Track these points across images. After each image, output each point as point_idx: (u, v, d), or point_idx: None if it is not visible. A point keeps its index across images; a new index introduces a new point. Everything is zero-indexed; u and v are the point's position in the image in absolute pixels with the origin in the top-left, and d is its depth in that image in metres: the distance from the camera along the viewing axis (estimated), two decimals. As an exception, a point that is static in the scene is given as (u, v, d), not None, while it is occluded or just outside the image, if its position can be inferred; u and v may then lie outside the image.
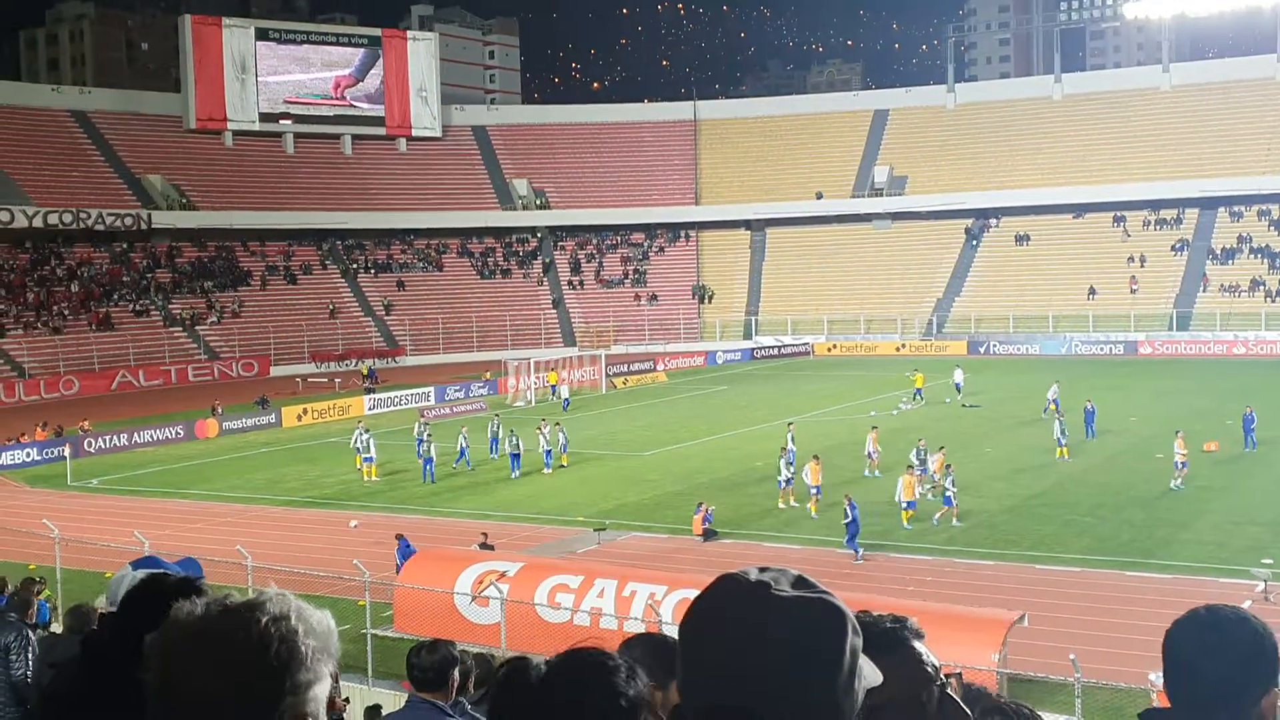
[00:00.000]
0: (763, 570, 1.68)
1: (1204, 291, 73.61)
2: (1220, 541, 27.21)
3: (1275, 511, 29.68)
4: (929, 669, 2.02)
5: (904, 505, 29.09)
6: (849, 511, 26.55)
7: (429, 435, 39.14)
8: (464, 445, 38.93)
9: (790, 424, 38.94)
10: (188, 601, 1.71)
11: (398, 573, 23.47)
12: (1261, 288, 72.26)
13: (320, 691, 1.68)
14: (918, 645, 2.00)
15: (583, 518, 31.37)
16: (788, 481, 31.92)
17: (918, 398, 50.81)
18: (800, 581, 1.67)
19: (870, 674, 1.68)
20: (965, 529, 29.14)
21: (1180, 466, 32.26)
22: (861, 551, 26.62)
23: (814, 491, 30.76)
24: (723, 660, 1.61)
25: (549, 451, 38.49)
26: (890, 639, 2.00)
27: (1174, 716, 2.34)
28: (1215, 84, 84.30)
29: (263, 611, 1.66)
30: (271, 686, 1.63)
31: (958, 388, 52.07)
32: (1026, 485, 33.41)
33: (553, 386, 56.85)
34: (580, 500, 33.85)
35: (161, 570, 2.81)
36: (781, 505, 31.91)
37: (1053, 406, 43.50)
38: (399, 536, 25.29)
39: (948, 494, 29.45)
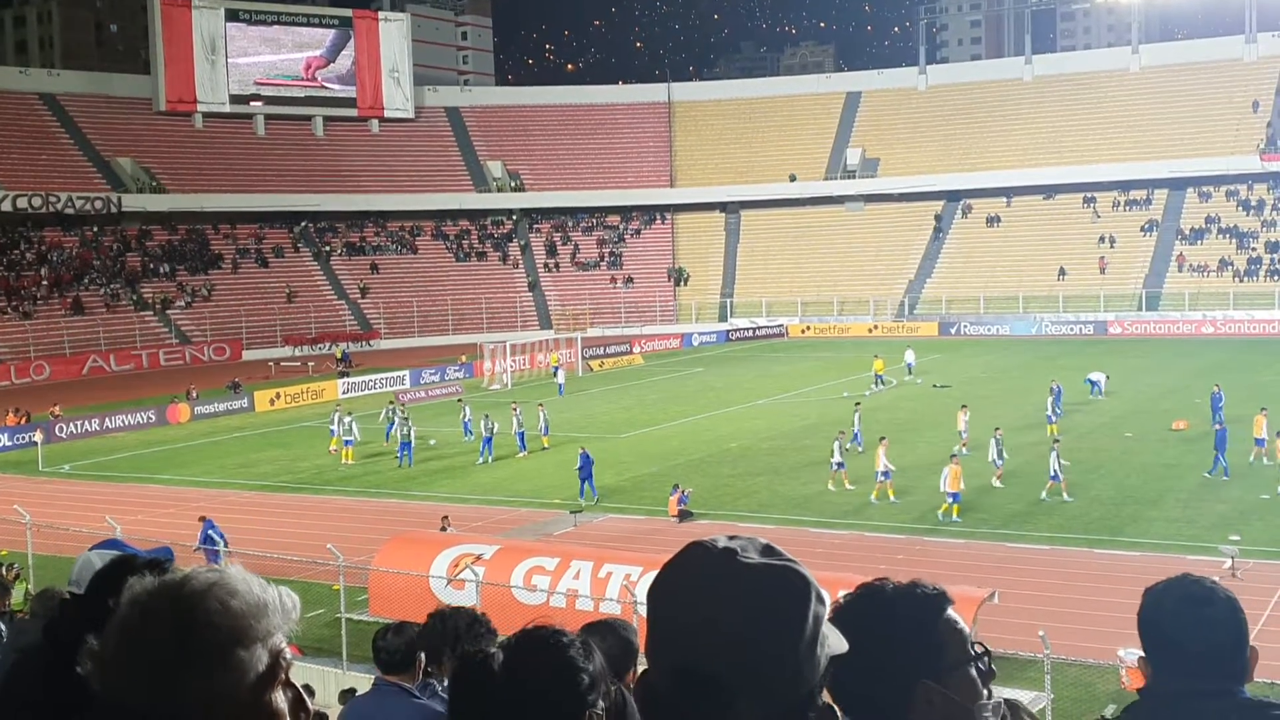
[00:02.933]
0: (731, 538, 1.71)
1: (1178, 271, 74.17)
2: (1188, 519, 27.52)
3: (1242, 489, 30.03)
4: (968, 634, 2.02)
5: (949, 497, 27.94)
6: (581, 459, 31.24)
7: (404, 418, 39.07)
8: (493, 426, 38.23)
9: (857, 404, 39.08)
10: (136, 579, 1.70)
11: (198, 545, 23.09)
12: (1229, 268, 72.88)
13: (243, 670, 1.64)
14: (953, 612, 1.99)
15: (559, 500, 31.44)
16: (840, 465, 31.38)
17: (880, 382, 50.35)
18: (768, 550, 1.70)
19: (835, 642, 1.71)
20: (936, 507, 29.33)
21: (1259, 444, 32.52)
22: (597, 496, 30.73)
23: (880, 476, 30.03)
24: (686, 624, 1.64)
25: (521, 434, 38.43)
26: (943, 603, 1.97)
27: (1185, 689, 2.42)
28: (1184, 65, 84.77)
29: (181, 589, 1.65)
30: (187, 669, 1.61)
31: (909, 368, 52.47)
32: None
33: (554, 368, 56.44)
34: (556, 483, 33.87)
35: (129, 553, 2.84)
36: (832, 488, 31.34)
37: (1099, 384, 44.42)
38: (203, 518, 24.74)
39: (1055, 471, 29.36)
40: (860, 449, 34.75)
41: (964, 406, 37.32)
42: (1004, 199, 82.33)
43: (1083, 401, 42.91)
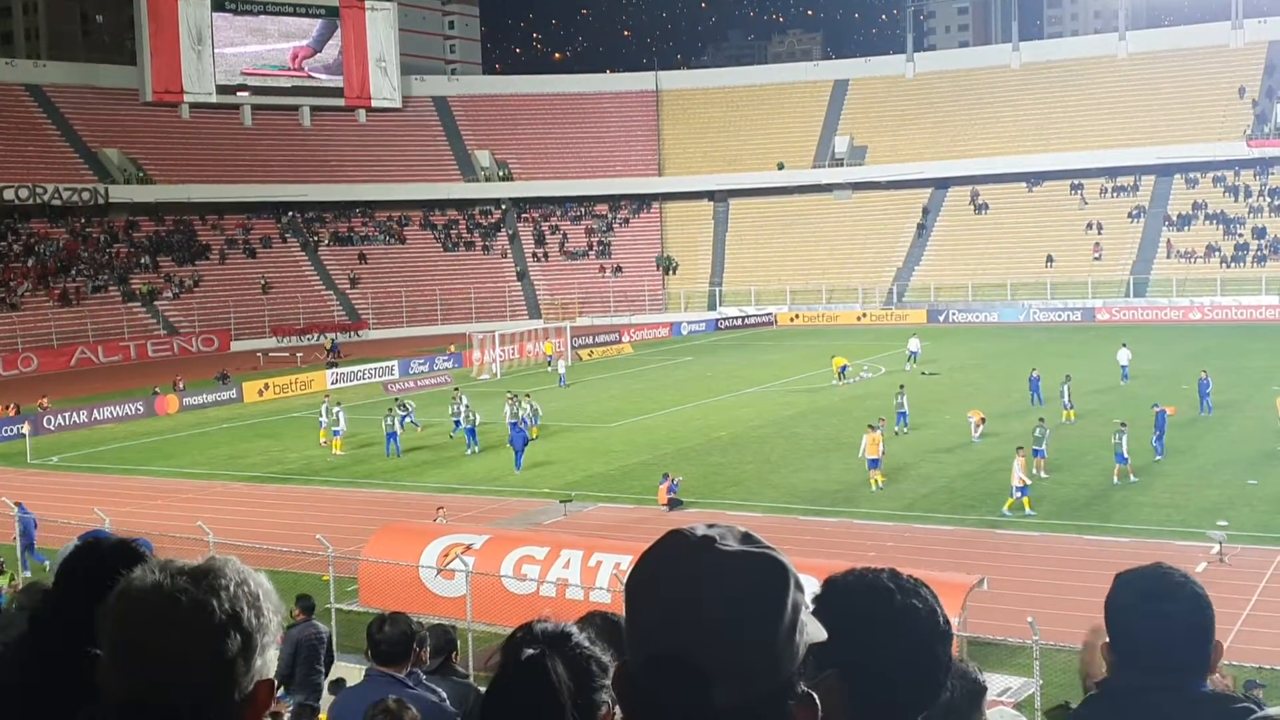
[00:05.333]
0: (710, 526, 1.72)
1: (1166, 258, 74.32)
2: (1176, 504, 27.63)
3: (1230, 474, 30.15)
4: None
5: (1016, 490, 27.30)
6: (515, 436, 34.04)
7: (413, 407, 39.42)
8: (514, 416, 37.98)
9: (902, 386, 39.10)
10: (142, 568, 1.68)
11: (17, 540, 23.66)
12: (1217, 254, 73.07)
13: (274, 654, 1.70)
14: None
15: (549, 489, 31.44)
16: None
17: (843, 374, 49.78)
18: (746, 537, 1.70)
19: (814, 630, 1.72)
20: (925, 494, 29.42)
21: None
22: (519, 471, 32.94)
23: (871, 464, 29.97)
24: (666, 611, 1.64)
25: (514, 424, 38.29)
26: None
27: (1157, 684, 2.40)
28: (1171, 51, 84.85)
29: (225, 577, 1.65)
30: (244, 652, 1.62)
31: (912, 355, 52.45)
32: (984, 450, 33.71)
33: (549, 358, 55.97)
34: (546, 472, 33.91)
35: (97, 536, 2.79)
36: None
37: (1128, 369, 44.96)
38: (18, 503, 24.86)
39: (1120, 453, 29.38)
40: (907, 430, 35.70)
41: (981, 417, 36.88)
42: (993, 186, 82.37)
43: (1110, 387, 43.15)
